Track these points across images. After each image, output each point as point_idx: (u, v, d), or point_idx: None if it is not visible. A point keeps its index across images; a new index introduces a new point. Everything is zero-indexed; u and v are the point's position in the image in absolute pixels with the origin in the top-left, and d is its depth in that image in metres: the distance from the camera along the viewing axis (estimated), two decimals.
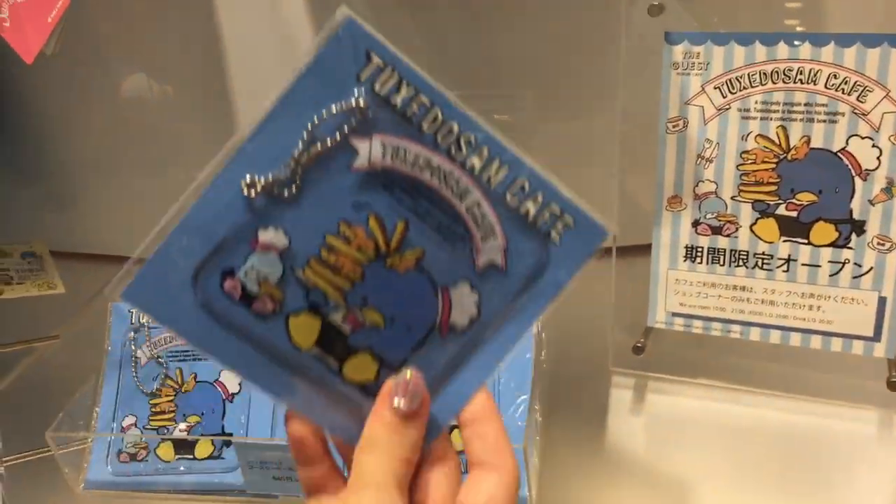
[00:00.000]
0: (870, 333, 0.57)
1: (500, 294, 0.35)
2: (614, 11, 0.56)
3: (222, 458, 0.60)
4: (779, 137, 0.55)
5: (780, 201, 0.56)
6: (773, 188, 0.56)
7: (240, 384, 0.62)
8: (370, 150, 0.32)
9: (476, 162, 0.33)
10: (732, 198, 0.58)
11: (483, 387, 0.35)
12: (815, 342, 0.59)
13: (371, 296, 0.34)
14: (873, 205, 0.54)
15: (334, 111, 0.32)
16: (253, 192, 0.32)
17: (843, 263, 0.56)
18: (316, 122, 0.32)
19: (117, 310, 0.65)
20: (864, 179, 0.54)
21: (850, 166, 0.54)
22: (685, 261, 0.61)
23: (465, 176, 0.33)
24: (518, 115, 0.77)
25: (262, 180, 0.32)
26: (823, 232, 0.56)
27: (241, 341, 0.34)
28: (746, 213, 0.57)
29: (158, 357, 0.62)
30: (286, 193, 0.32)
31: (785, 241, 0.57)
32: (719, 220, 0.59)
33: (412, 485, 0.33)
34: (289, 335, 0.34)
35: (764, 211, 0.57)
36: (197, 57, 0.78)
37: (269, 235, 0.33)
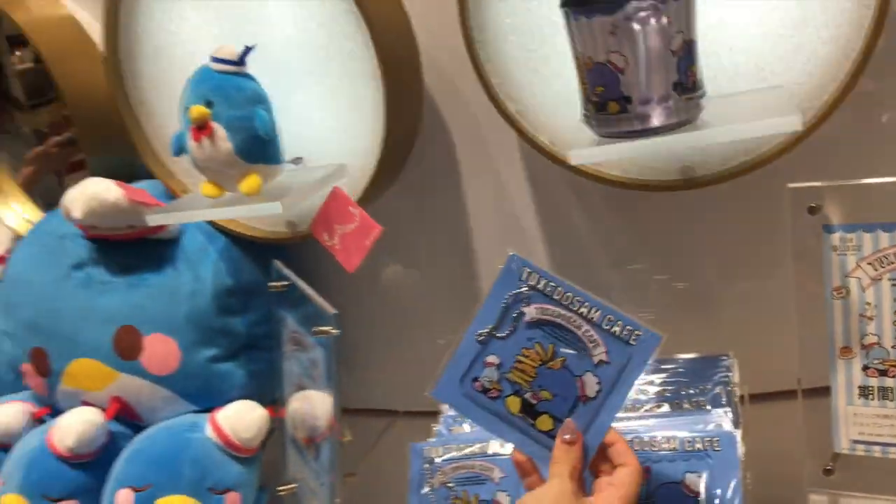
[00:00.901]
0: None
1: (610, 376, 0.66)
2: (781, 212, 0.74)
3: None
4: None
5: None
6: None
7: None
8: (533, 311, 0.67)
9: (584, 310, 0.66)
10: (893, 346, 0.73)
11: (611, 427, 0.66)
12: None
13: (543, 383, 0.68)
14: None
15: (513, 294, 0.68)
16: (480, 338, 0.68)
17: None
18: (505, 303, 0.68)
19: (414, 449, 0.88)
20: None
21: None
22: (860, 398, 0.75)
23: (579, 318, 0.66)
24: (697, 282, 0.95)
25: (485, 331, 0.68)
26: None
27: (486, 413, 0.68)
28: None
29: (448, 483, 0.83)
30: (498, 336, 0.68)
31: None
32: (884, 365, 0.74)
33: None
34: (507, 407, 0.68)
35: None
36: (445, 248, 1.03)
37: (492, 358, 0.68)
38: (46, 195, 1.21)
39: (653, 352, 0.66)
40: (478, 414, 0.69)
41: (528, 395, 0.68)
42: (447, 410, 0.88)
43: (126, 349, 1.00)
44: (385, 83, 0.83)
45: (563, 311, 0.67)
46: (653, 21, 0.63)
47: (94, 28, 1.07)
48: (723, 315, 0.95)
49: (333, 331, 0.78)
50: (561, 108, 0.80)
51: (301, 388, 0.89)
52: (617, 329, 0.65)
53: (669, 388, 0.86)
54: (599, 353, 0.66)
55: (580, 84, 0.71)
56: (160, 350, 0.99)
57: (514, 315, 0.67)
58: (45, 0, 1.06)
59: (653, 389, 0.86)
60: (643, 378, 0.87)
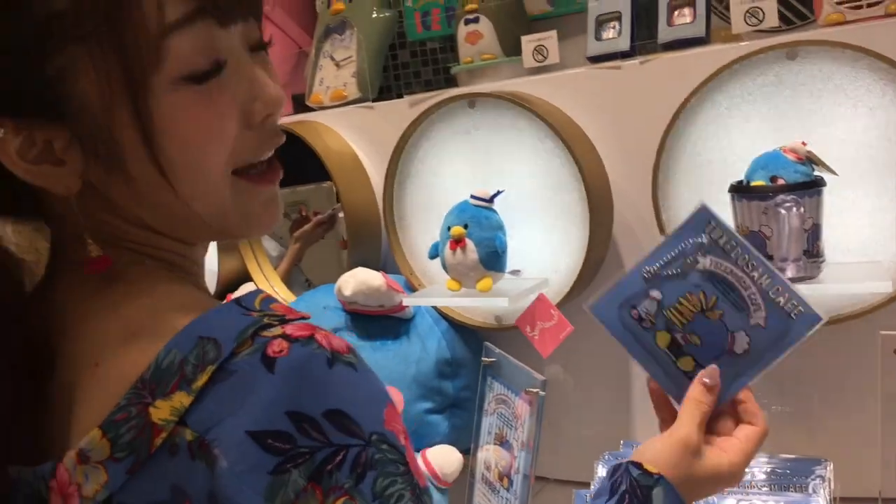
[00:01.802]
0: None
1: (762, 339, 0.70)
2: (874, 354, 1.04)
3: None
4: None
5: None
6: None
7: None
8: (707, 262, 0.73)
9: (756, 273, 0.71)
10: None
11: (748, 386, 0.71)
12: None
13: (695, 329, 0.72)
14: None
15: (693, 242, 0.74)
16: (648, 275, 0.74)
17: None
18: (684, 247, 0.73)
19: (578, 495, 1.17)
20: None
21: None
22: None
23: (749, 279, 0.70)
24: (799, 405, 1.23)
25: (654, 269, 0.74)
26: None
27: (634, 339, 0.74)
28: None
29: None
30: (667, 275, 0.74)
31: None
32: None
33: (714, 425, 0.73)
34: (655, 340, 0.74)
35: None
36: (605, 355, 1.35)
37: (655, 293, 0.73)
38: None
39: (810, 330, 0.69)
40: (627, 338, 0.74)
41: (678, 335, 0.72)
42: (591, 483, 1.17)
43: None
44: (591, 226, 1.18)
45: (735, 270, 0.69)
46: (794, 209, 0.96)
47: (365, 161, 1.47)
48: (821, 429, 1.22)
49: (541, 392, 1.10)
50: None
51: (501, 437, 1.21)
52: (782, 300, 0.69)
53: (775, 477, 1.13)
54: (758, 317, 0.69)
55: None
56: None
57: (689, 260, 0.71)
58: (336, 138, 1.48)
59: (760, 476, 1.14)
60: (751, 465, 1.14)
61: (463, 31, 1.36)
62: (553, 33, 1.27)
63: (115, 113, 0.51)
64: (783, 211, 0.97)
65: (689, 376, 0.72)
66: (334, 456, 0.48)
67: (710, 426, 0.73)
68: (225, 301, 0.88)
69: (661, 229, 1.15)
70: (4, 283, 0.57)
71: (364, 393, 0.50)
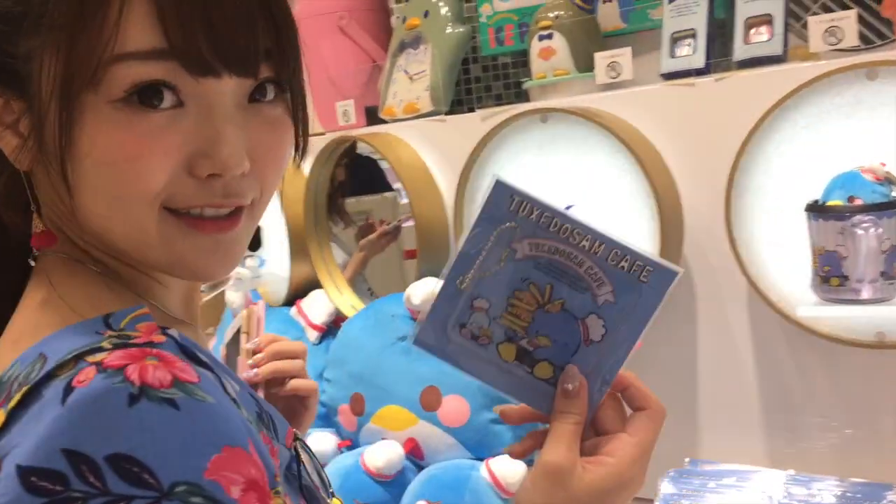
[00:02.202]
0: None
1: (617, 316, 0.58)
2: None
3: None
4: None
5: None
6: None
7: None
8: (525, 247, 0.58)
9: (585, 244, 0.58)
10: None
11: (622, 368, 0.60)
12: None
13: (540, 329, 0.59)
14: None
15: (501, 228, 0.58)
16: (463, 284, 0.59)
17: None
18: (492, 239, 0.58)
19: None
20: None
21: None
22: None
23: (581, 253, 0.57)
24: (870, 430, 1.20)
25: (468, 274, 0.59)
26: None
27: (477, 361, 0.60)
28: None
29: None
30: (484, 275, 0.59)
31: None
32: None
33: (599, 425, 0.61)
34: (500, 355, 0.60)
35: None
36: (673, 365, 1.34)
37: (480, 302, 0.59)
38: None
39: (667, 289, 0.58)
40: (468, 364, 0.61)
41: (523, 342, 0.59)
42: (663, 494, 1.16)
43: (428, 403, 1.36)
44: (661, 243, 1.19)
45: (560, 246, 0.57)
46: (871, 230, 0.95)
47: (435, 173, 1.50)
48: (892, 453, 1.20)
49: None
50: (790, 276, 1.12)
51: None
52: (625, 265, 0.57)
53: (844, 500, 1.11)
54: (605, 293, 0.58)
55: (812, 263, 1.03)
56: (455, 407, 1.35)
57: (504, 252, 0.58)
58: (408, 150, 1.51)
59: (830, 500, 1.12)
60: (821, 488, 1.13)
61: (536, 46, 1.38)
62: (627, 50, 1.28)
63: (49, 110, 0.50)
64: (860, 231, 0.96)
65: (552, 383, 0.61)
66: None
67: (597, 427, 0.62)
68: (246, 307, 0.90)
69: (733, 246, 1.15)
70: None
71: (177, 436, 0.44)
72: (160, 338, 0.49)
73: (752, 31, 1.22)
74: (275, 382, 0.84)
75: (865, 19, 1.19)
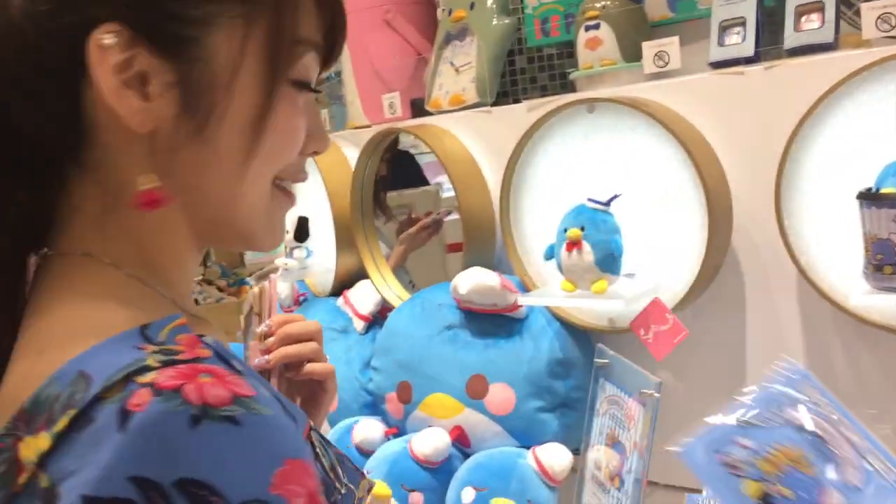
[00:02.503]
0: None
1: (857, 499, 0.67)
2: None
3: None
4: None
5: None
6: None
7: None
8: (801, 416, 0.74)
9: (855, 438, 0.70)
10: None
11: None
12: None
13: (787, 482, 0.70)
14: None
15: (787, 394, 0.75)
16: (740, 422, 0.77)
17: None
18: (777, 397, 0.75)
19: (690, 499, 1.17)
20: None
21: None
22: None
23: (847, 442, 0.70)
24: None
25: (746, 416, 0.78)
26: None
27: (723, 485, 0.71)
28: None
29: None
30: (760, 423, 0.76)
31: None
32: None
33: None
34: (745, 488, 0.72)
35: None
36: (720, 359, 1.34)
37: (746, 441, 0.73)
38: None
39: None
40: (716, 484, 0.73)
41: (769, 486, 0.70)
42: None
43: (475, 391, 1.38)
44: (709, 232, 1.18)
45: (831, 429, 0.69)
46: None
47: (482, 164, 1.51)
48: None
49: (656, 394, 1.11)
50: (841, 264, 1.11)
51: (613, 438, 1.22)
52: (880, 466, 0.67)
53: None
54: (855, 478, 0.67)
55: (864, 251, 1.03)
56: (501, 396, 1.36)
57: (783, 411, 0.72)
58: (454, 141, 1.52)
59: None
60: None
61: (583, 37, 1.39)
62: (675, 39, 1.27)
63: (238, 81, 0.53)
64: None
65: None
66: None
67: None
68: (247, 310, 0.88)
69: (783, 235, 1.14)
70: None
71: (241, 454, 0.44)
72: (205, 352, 0.49)
73: (803, 18, 1.21)
74: (291, 366, 0.82)
75: None
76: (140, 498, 0.42)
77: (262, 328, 0.83)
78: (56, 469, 0.44)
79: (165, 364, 0.46)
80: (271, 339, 0.82)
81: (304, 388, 0.83)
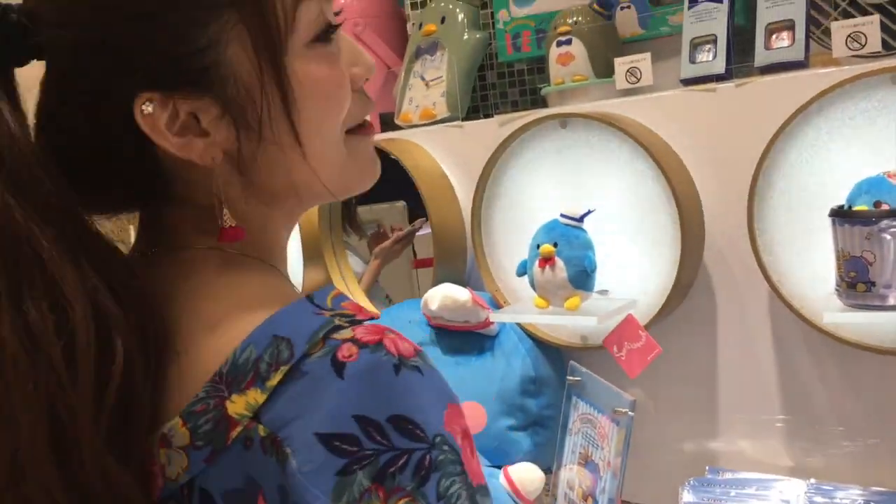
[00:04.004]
0: None
1: None
2: None
3: None
4: None
5: None
6: None
7: None
8: None
9: None
10: None
11: None
12: None
13: None
14: None
15: None
16: None
17: None
18: None
19: None
20: None
21: None
22: None
23: None
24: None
25: None
26: None
27: None
28: None
29: None
30: None
31: None
32: None
33: None
34: None
35: None
36: (694, 376, 1.33)
37: None
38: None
39: None
40: None
41: None
42: None
43: None
44: (682, 249, 1.18)
45: None
46: None
47: (453, 179, 1.50)
48: None
49: (630, 412, 1.10)
50: (814, 283, 1.11)
51: (586, 457, 1.21)
52: None
53: None
54: None
55: (837, 269, 1.03)
56: (471, 414, 1.33)
57: None
58: (425, 156, 1.51)
59: None
60: (843, 497, 1.12)
61: (555, 52, 1.38)
62: (647, 55, 1.27)
63: (259, 76, 0.54)
64: (888, 236, 0.95)
65: None
66: (397, 459, 0.49)
67: None
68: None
69: (756, 252, 1.14)
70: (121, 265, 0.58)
71: (428, 397, 0.52)
72: (373, 313, 0.56)
73: (774, 36, 1.22)
74: None
75: (887, 25, 1.19)
76: (361, 432, 0.49)
77: None
78: (273, 418, 0.50)
79: (353, 324, 0.53)
80: None
81: None
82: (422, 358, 0.53)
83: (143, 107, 0.54)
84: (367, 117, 0.63)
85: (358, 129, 0.62)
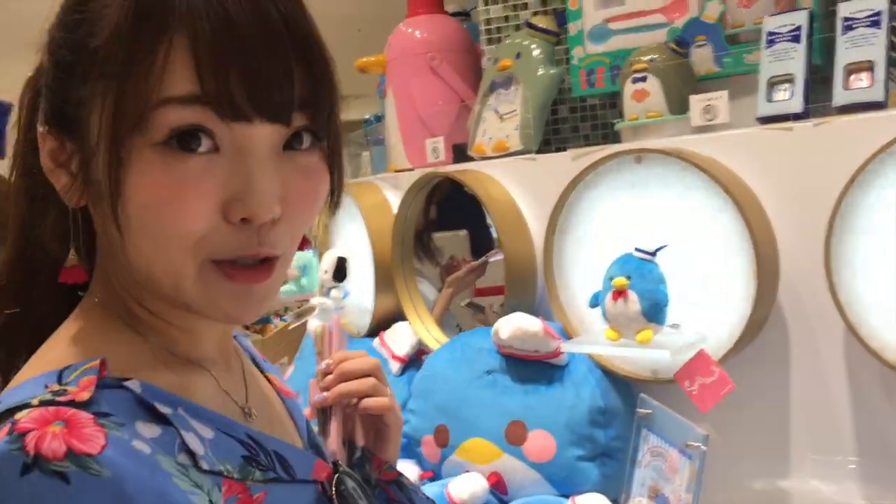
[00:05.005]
0: None
1: None
2: None
3: None
4: None
5: None
6: None
7: None
8: None
9: None
10: None
11: None
12: None
13: None
14: None
15: None
16: None
17: None
18: None
19: None
20: None
21: None
22: None
23: None
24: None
25: None
26: None
27: None
28: None
29: None
30: None
31: None
32: None
33: None
34: None
35: None
36: (764, 413, 1.33)
37: None
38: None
39: None
40: None
41: None
42: None
43: (514, 437, 1.37)
44: (757, 286, 1.18)
45: None
46: None
47: (524, 210, 1.53)
48: None
49: (703, 447, 1.10)
50: (892, 324, 1.11)
51: (656, 490, 1.21)
52: None
53: None
54: None
55: None
56: (541, 443, 1.35)
57: None
58: (497, 187, 1.54)
59: None
60: None
61: (630, 88, 1.41)
62: (724, 93, 1.29)
63: (99, 152, 0.53)
64: None
65: None
66: None
67: None
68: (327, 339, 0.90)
69: (832, 292, 1.14)
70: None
71: None
72: (85, 395, 0.49)
73: (852, 77, 1.22)
74: (351, 403, 0.83)
75: None
76: None
77: (321, 366, 0.85)
78: None
79: (43, 404, 0.48)
80: (330, 377, 0.83)
81: (369, 423, 0.84)
82: (80, 464, 0.45)
83: (40, 127, 0.58)
84: (259, 255, 0.56)
85: (228, 267, 0.55)
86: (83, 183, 0.56)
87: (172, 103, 0.51)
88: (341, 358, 0.85)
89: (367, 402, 0.83)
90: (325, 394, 0.83)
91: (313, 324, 1.85)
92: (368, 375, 0.83)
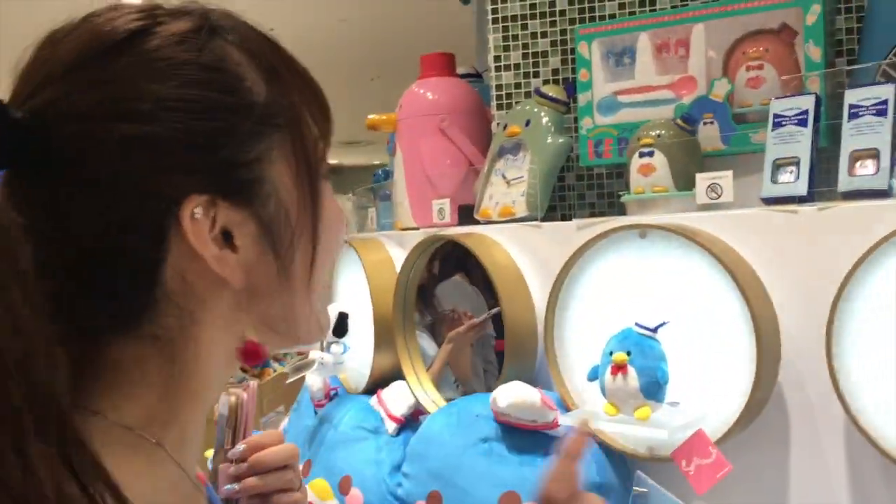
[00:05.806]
0: None
1: None
2: None
3: None
4: None
5: None
6: None
7: None
8: None
9: None
10: None
11: None
12: None
13: None
14: None
15: None
16: None
17: None
18: None
19: None
20: None
21: None
22: None
23: None
24: None
25: None
26: None
27: None
28: None
29: None
30: None
31: None
32: None
33: None
34: None
35: None
36: (764, 497, 1.31)
37: None
38: None
39: None
40: None
41: None
42: None
43: None
44: (758, 368, 1.18)
45: None
46: None
47: (528, 277, 1.53)
48: None
49: None
50: (893, 412, 1.10)
51: None
52: None
53: None
54: None
55: None
56: None
57: None
58: (501, 252, 1.54)
59: None
60: None
61: (637, 162, 1.42)
62: (729, 173, 1.30)
63: (300, 198, 0.55)
64: None
65: None
66: None
67: None
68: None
69: (833, 378, 1.13)
70: None
71: None
72: None
73: (858, 163, 1.23)
74: (261, 495, 0.80)
75: None
76: None
77: (235, 450, 0.82)
78: None
79: None
80: (243, 466, 0.80)
81: None
82: None
83: (196, 210, 0.50)
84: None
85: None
86: (259, 252, 0.53)
87: (321, 138, 0.58)
88: (256, 445, 0.82)
89: (279, 499, 0.81)
90: (235, 485, 0.80)
91: (311, 379, 1.85)
92: (284, 466, 0.81)
